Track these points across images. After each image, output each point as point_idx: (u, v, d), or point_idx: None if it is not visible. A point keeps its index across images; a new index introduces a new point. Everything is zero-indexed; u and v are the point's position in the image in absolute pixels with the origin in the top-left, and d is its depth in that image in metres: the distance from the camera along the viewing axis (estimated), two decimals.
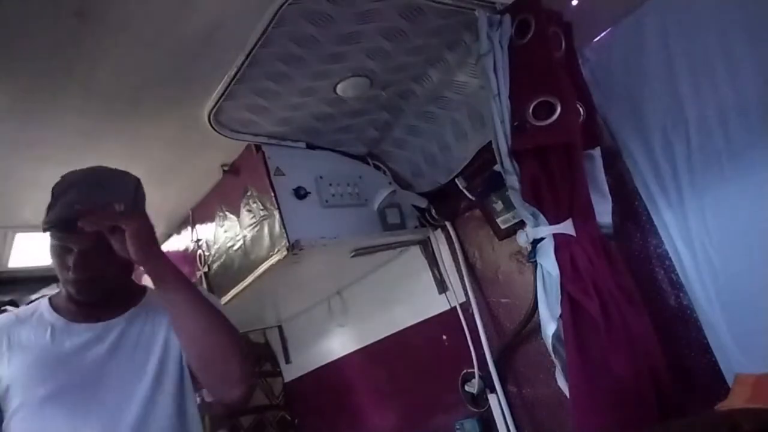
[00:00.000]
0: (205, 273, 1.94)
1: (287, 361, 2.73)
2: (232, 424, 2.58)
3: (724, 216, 1.26)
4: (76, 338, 1.14)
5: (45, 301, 1.19)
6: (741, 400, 1.06)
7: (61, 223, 1.08)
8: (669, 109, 1.34)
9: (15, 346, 1.10)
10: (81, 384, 1.09)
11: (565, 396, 1.24)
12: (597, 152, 1.32)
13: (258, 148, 1.68)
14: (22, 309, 1.21)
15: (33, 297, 1.96)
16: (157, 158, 1.66)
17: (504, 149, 1.23)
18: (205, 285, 1.93)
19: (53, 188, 1.12)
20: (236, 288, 1.81)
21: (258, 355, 2.78)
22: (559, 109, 1.17)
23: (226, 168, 1.80)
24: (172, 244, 2.16)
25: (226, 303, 1.88)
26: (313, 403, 2.61)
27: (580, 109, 1.29)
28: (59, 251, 1.11)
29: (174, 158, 1.68)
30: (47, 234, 1.11)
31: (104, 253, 1.09)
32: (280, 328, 2.75)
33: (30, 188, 1.59)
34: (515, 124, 1.20)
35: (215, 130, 1.56)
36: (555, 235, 1.20)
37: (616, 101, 1.42)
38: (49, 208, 1.11)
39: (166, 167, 1.71)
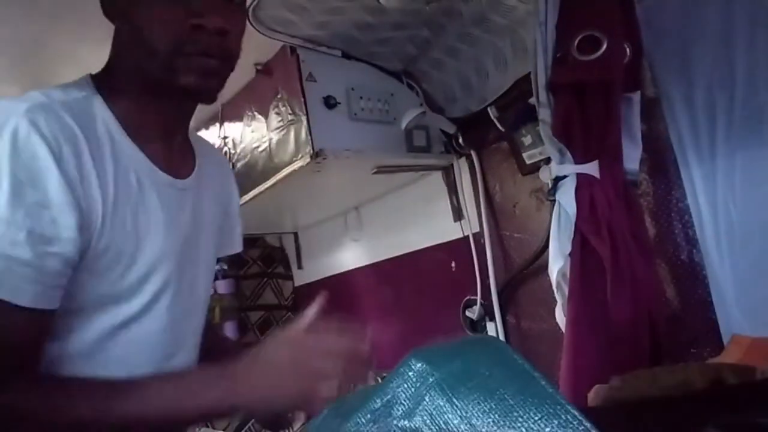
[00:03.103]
0: None
1: (299, 266, 2.82)
2: (240, 318, 2.71)
3: (754, 180, 1.24)
4: (164, 196, 0.83)
5: (98, 110, 0.78)
6: (732, 359, 1.08)
7: None
8: (718, 63, 1.28)
9: (97, 199, 0.73)
10: (177, 251, 0.85)
11: (561, 333, 1.27)
12: (636, 97, 1.28)
13: (293, 50, 1.66)
14: (68, 108, 0.74)
15: None
16: None
17: (542, 80, 1.20)
18: None
19: None
20: (257, 189, 1.84)
21: (272, 257, 2.87)
22: (605, 46, 1.13)
23: (259, 67, 1.78)
24: None
25: (246, 203, 1.92)
26: (320, 309, 2.71)
27: (627, 50, 1.24)
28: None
29: None
30: None
31: (241, 31, 0.84)
32: (296, 234, 2.82)
33: (66, 63, 1.60)
34: (558, 55, 1.16)
35: (253, 26, 1.53)
36: (578, 175, 1.20)
37: (666, 47, 1.36)
38: None
39: None
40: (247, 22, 1.51)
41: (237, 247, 1.11)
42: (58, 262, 0.69)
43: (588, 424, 0.51)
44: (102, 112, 0.79)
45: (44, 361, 0.75)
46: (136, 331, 0.81)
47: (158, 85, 0.79)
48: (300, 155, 1.64)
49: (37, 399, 0.70)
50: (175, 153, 0.89)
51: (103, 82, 0.82)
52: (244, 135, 1.91)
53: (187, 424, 0.83)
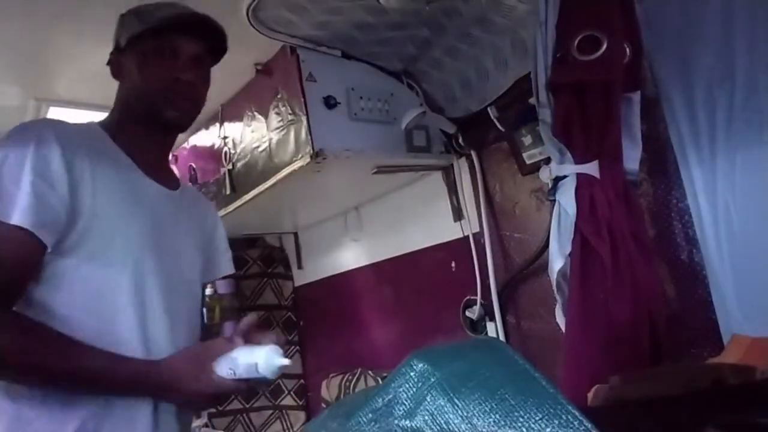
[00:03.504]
0: (229, 170, 1.98)
1: (299, 266, 2.82)
2: (240, 318, 2.71)
3: (754, 180, 1.24)
4: (150, 192, 1.07)
5: (102, 134, 1.06)
6: (732, 359, 1.08)
7: (186, 17, 1.04)
8: (719, 63, 1.28)
9: (99, 177, 0.98)
10: (157, 238, 1.04)
11: (561, 333, 1.27)
12: (636, 97, 1.28)
13: (293, 50, 1.66)
14: (74, 129, 1.03)
15: None
16: None
17: (542, 80, 1.20)
18: (228, 182, 1.98)
19: (137, 9, 1.08)
20: (257, 189, 1.84)
21: (272, 257, 2.87)
22: (605, 46, 1.13)
23: (259, 67, 1.78)
24: (200, 139, 2.19)
25: (246, 203, 1.93)
26: (320, 309, 2.72)
27: (627, 49, 1.24)
28: (164, 54, 1.04)
29: None
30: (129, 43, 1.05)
31: (206, 86, 1.14)
32: (296, 234, 2.82)
33: (66, 61, 1.60)
34: (558, 55, 1.16)
35: (253, 26, 1.53)
36: (578, 175, 1.20)
37: (666, 47, 1.35)
38: (142, 15, 1.05)
39: None
40: (247, 23, 1.52)
41: (229, 270, 1.32)
42: (56, 201, 0.91)
43: (588, 424, 0.51)
44: (104, 136, 1.06)
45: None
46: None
47: (148, 119, 1.07)
48: (300, 155, 1.64)
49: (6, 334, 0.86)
50: (161, 173, 1.14)
51: (107, 124, 1.09)
52: (244, 135, 1.91)
53: (119, 391, 0.95)
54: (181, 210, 1.14)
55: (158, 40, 1.04)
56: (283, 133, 1.71)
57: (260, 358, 0.93)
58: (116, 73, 1.11)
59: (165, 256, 1.05)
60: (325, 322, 2.69)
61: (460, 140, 1.87)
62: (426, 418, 0.57)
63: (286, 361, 0.93)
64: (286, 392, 2.77)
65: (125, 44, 1.07)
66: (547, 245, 1.34)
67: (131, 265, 0.99)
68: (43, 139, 0.92)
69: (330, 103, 1.67)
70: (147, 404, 0.97)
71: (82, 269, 0.95)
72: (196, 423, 2.46)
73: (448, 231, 1.98)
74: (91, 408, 0.92)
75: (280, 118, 1.72)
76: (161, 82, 1.04)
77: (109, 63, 1.12)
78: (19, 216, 0.87)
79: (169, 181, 1.15)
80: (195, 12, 1.06)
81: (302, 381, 2.78)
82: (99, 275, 0.96)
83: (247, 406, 2.72)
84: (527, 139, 1.64)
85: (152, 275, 1.02)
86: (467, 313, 1.89)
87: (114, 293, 0.97)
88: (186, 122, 1.11)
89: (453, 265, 1.99)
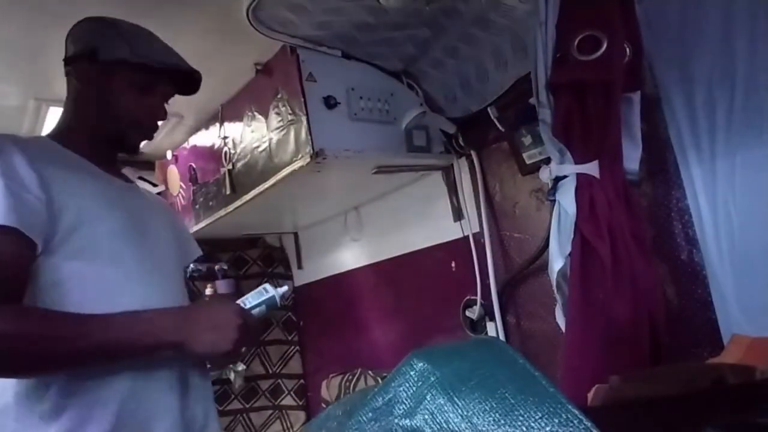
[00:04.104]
0: (229, 170, 1.98)
1: (299, 266, 2.82)
2: None
3: (754, 180, 1.24)
4: (117, 187, 1.12)
5: (55, 144, 1.08)
6: (732, 359, 1.08)
7: (180, 71, 1.12)
8: (718, 62, 1.28)
9: (67, 178, 0.99)
10: (139, 230, 1.07)
11: (561, 333, 1.28)
12: (636, 96, 1.28)
13: (293, 50, 1.66)
14: (29, 139, 1.07)
15: None
16: (193, 48, 1.64)
17: (542, 80, 1.20)
18: (228, 182, 1.97)
19: (114, 23, 1.11)
20: (257, 189, 1.84)
21: (272, 257, 2.88)
22: (605, 46, 1.13)
23: (259, 67, 1.78)
24: (200, 139, 2.19)
25: (246, 203, 1.93)
26: (320, 309, 2.72)
27: (627, 49, 1.24)
28: (150, 92, 1.11)
29: (209, 51, 1.67)
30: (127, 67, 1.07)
31: None
32: (296, 234, 2.82)
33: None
34: (558, 55, 1.16)
35: (253, 26, 1.53)
36: (578, 175, 1.20)
37: (666, 47, 1.35)
38: (132, 41, 1.08)
39: (201, 58, 1.69)
40: (247, 23, 1.52)
41: (198, 252, 1.37)
42: (33, 199, 0.91)
43: (588, 423, 0.51)
44: (57, 145, 1.07)
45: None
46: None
47: (110, 138, 1.12)
48: (300, 155, 1.64)
49: (11, 322, 0.85)
50: (115, 171, 1.16)
51: (56, 135, 1.11)
52: (244, 135, 1.91)
53: (142, 354, 0.96)
54: (147, 200, 1.21)
55: (148, 77, 1.10)
56: (283, 133, 1.71)
57: (265, 285, 1.08)
58: (82, 79, 1.11)
59: (149, 245, 1.08)
60: (325, 322, 2.69)
61: (460, 140, 1.88)
62: (426, 417, 0.57)
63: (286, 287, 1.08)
64: (286, 392, 2.77)
65: (107, 60, 1.08)
66: (547, 245, 1.34)
67: (120, 258, 1.00)
68: (3, 149, 0.94)
69: (330, 103, 1.67)
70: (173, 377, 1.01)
71: (73, 267, 0.95)
72: None
73: (448, 231, 1.99)
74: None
75: (280, 118, 1.72)
76: (139, 115, 1.11)
77: (72, 63, 1.12)
78: (2, 217, 0.87)
79: (123, 176, 1.19)
80: (191, 68, 1.16)
81: (302, 381, 2.78)
82: (91, 272, 0.97)
83: (247, 406, 2.72)
84: (527, 139, 1.64)
85: (141, 265, 1.04)
86: (467, 313, 1.89)
87: (109, 287, 0.98)
88: (140, 148, 1.17)
89: (453, 265, 1.99)
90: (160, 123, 1.17)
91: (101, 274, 0.98)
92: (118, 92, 1.08)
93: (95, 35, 1.11)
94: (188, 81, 1.18)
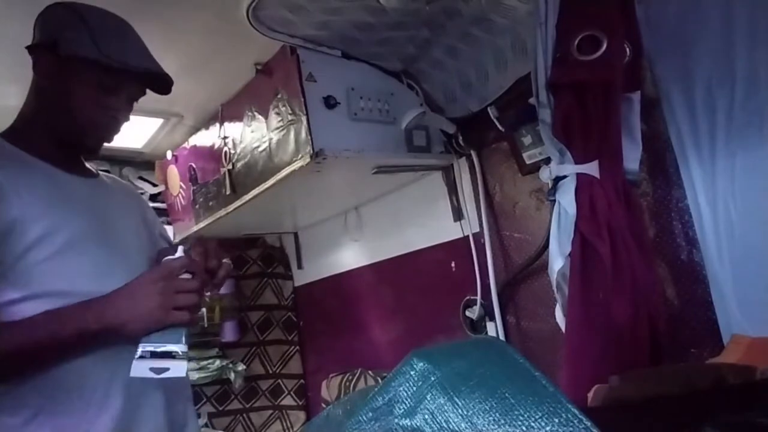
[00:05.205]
0: (229, 170, 1.98)
1: (299, 266, 2.82)
2: (240, 318, 2.71)
3: (755, 180, 1.24)
4: (77, 186, 1.05)
5: (5, 143, 1.02)
6: (732, 359, 1.09)
7: (150, 74, 1.04)
8: (719, 63, 1.28)
9: (20, 183, 0.95)
10: (100, 230, 1.03)
11: (560, 333, 1.27)
12: (636, 97, 1.28)
13: (293, 50, 1.66)
14: None
15: None
16: (193, 48, 1.65)
17: (542, 80, 1.19)
18: (228, 182, 1.98)
19: (83, 14, 1.01)
20: (257, 189, 1.84)
21: (272, 257, 2.88)
22: (605, 46, 1.13)
23: (259, 67, 1.78)
24: (200, 139, 2.19)
25: (246, 203, 1.93)
26: (320, 309, 2.72)
27: (627, 50, 1.24)
28: (113, 92, 1.03)
29: (209, 51, 1.67)
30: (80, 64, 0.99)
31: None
32: (296, 234, 2.82)
33: None
34: (558, 55, 1.16)
35: (252, 26, 1.53)
36: (578, 175, 1.19)
37: (666, 47, 1.35)
38: (99, 38, 0.99)
39: (200, 59, 1.71)
40: (247, 23, 1.52)
41: (164, 242, 1.30)
42: None
43: (588, 423, 0.51)
44: (8, 145, 1.02)
45: None
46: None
47: (68, 137, 1.05)
48: (300, 155, 1.64)
49: None
50: (76, 167, 1.10)
51: (9, 133, 1.06)
52: (244, 135, 1.91)
53: (72, 348, 0.93)
54: (112, 192, 1.15)
55: (113, 77, 1.02)
56: (283, 133, 1.71)
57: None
58: (41, 71, 1.04)
59: (111, 239, 1.04)
60: (325, 322, 2.69)
61: (460, 140, 1.88)
62: (426, 416, 0.57)
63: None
64: (286, 392, 2.77)
65: (68, 55, 0.99)
66: (547, 245, 1.34)
67: (81, 255, 0.97)
68: None
69: (330, 103, 1.67)
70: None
71: (35, 271, 0.92)
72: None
73: (448, 231, 1.99)
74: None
75: (280, 118, 1.72)
76: (96, 117, 1.04)
77: (33, 53, 1.04)
78: None
79: (86, 171, 1.13)
80: (163, 71, 1.07)
81: (302, 381, 2.78)
82: (52, 273, 0.94)
83: (247, 406, 2.72)
84: (527, 139, 1.64)
85: (103, 258, 1.00)
86: (467, 313, 1.89)
87: (72, 287, 0.94)
88: (99, 150, 1.10)
89: (453, 265, 1.99)
90: (122, 126, 1.10)
91: (61, 278, 0.95)
92: (77, 90, 1.01)
93: (59, 26, 1.02)
94: (160, 80, 1.10)
